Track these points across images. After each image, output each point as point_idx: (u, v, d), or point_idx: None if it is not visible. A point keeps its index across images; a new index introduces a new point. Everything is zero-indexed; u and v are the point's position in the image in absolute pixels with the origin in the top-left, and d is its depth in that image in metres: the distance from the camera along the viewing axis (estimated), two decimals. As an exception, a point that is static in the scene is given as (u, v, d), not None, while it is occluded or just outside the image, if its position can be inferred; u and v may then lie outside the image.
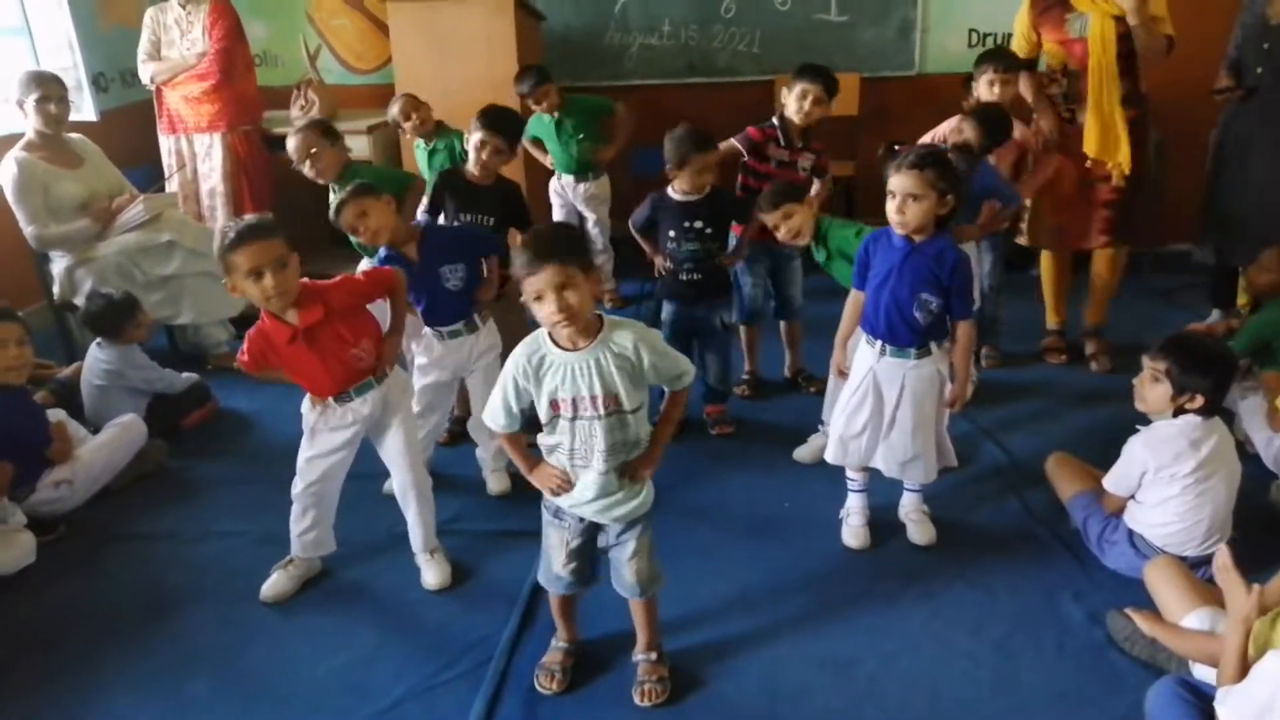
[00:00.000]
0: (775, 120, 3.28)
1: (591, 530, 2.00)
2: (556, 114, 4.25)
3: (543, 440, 1.95)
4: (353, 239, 2.73)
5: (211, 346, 4.04)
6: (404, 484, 2.48)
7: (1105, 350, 3.64)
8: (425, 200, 3.39)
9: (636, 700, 2.06)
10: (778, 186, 2.95)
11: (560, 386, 1.84)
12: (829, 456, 2.64)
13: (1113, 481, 2.47)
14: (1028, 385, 3.57)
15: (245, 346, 2.30)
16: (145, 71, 4.48)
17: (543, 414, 1.89)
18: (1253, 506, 2.59)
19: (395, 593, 2.50)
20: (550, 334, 1.84)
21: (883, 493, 2.68)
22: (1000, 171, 3.33)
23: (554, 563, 2.05)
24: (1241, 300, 3.81)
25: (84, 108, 4.65)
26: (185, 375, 3.57)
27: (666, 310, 3.18)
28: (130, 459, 3.10)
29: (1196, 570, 2.29)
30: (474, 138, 3.11)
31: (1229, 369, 2.40)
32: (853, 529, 2.64)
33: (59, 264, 3.79)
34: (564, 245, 1.75)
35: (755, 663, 2.18)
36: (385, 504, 2.68)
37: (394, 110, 4.10)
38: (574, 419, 1.86)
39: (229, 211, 4.49)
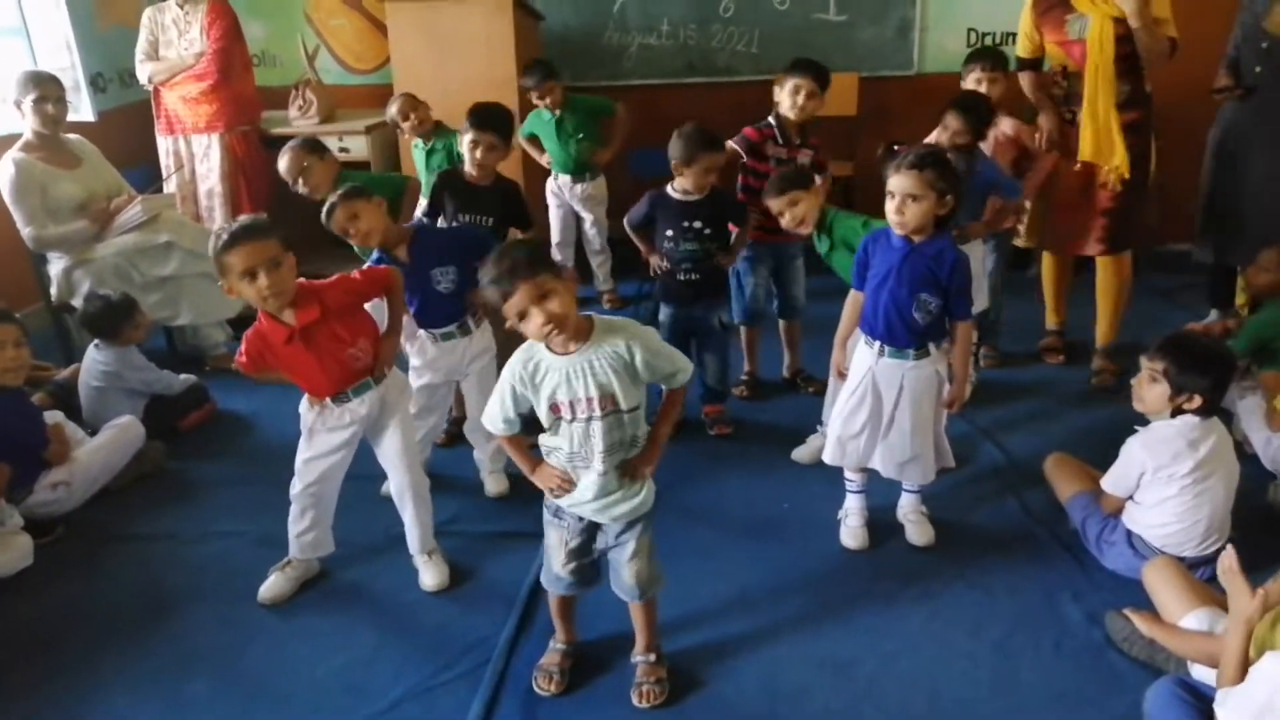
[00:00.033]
0: (771, 119, 3.28)
1: (591, 530, 2.00)
2: (558, 112, 4.25)
3: (544, 441, 1.96)
4: (349, 241, 2.73)
5: (210, 348, 4.04)
6: (401, 485, 2.47)
7: (1112, 371, 3.51)
8: (424, 201, 3.39)
9: (635, 702, 2.06)
10: (785, 172, 2.94)
11: (558, 390, 1.84)
12: (827, 457, 2.63)
13: (1111, 482, 2.47)
14: (1026, 385, 3.57)
15: (243, 348, 2.30)
16: (143, 72, 4.48)
17: (544, 418, 1.90)
18: (1251, 507, 2.59)
19: (393, 594, 2.50)
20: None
21: (881, 493, 2.68)
22: (1000, 166, 3.33)
23: (554, 563, 2.05)
24: (1240, 300, 3.81)
25: (82, 108, 4.64)
26: (183, 376, 3.56)
27: (664, 312, 3.17)
28: (128, 460, 3.10)
29: (1195, 571, 2.30)
30: (465, 139, 3.12)
31: (1227, 369, 2.39)
32: (851, 530, 2.64)
33: (56, 265, 3.79)
34: (529, 260, 1.77)
35: (754, 663, 2.18)
36: (383, 505, 2.67)
37: (392, 110, 4.09)
38: (573, 421, 1.86)
39: (227, 212, 4.49)
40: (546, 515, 2.04)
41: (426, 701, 2.11)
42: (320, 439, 2.40)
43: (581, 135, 4.30)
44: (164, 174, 4.55)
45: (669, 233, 3.03)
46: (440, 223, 3.20)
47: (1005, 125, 3.58)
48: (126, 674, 2.23)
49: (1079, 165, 3.34)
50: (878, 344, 2.46)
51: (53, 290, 3.83)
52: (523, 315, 1.78)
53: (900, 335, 2.41)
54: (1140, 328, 3.54)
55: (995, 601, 2.37)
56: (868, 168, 3.03)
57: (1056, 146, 3.40)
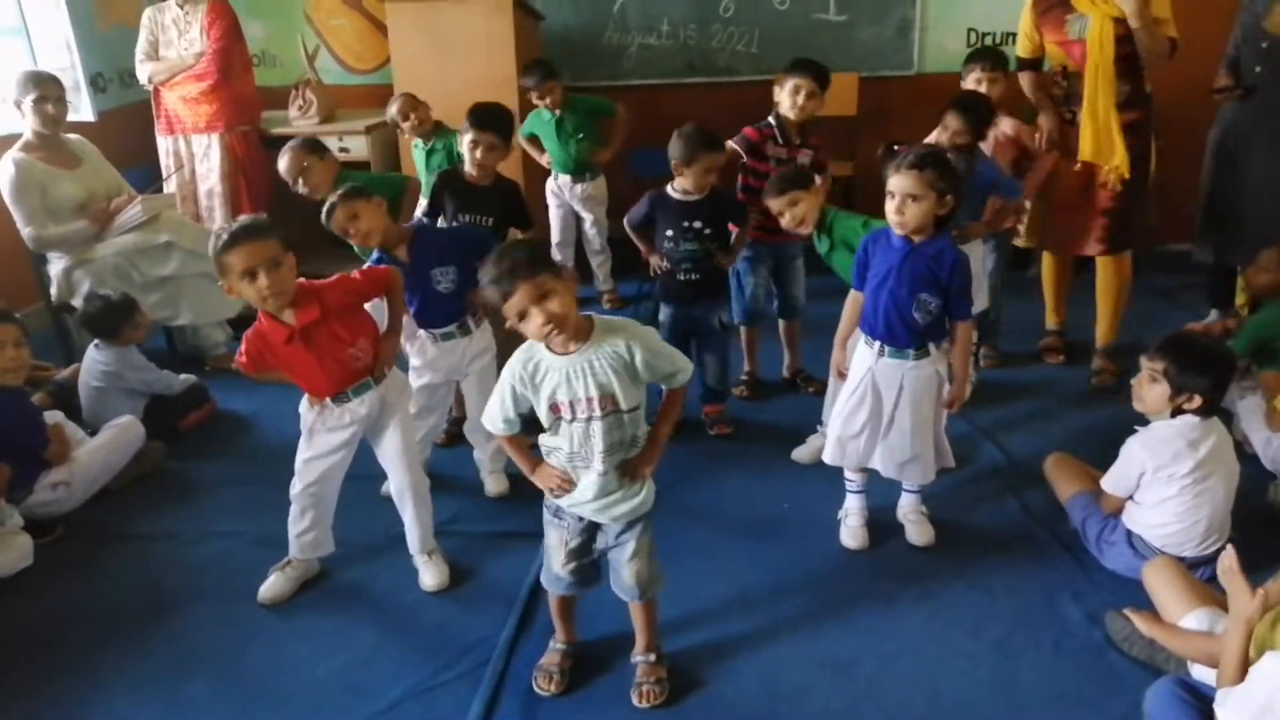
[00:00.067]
0: (771, 119, 3.28)
1: (591, 530, 2.00)
2: (558, 112, 4.24)
3: (544, 441, 1.96)
4: (349, 241, 2.73)
5: (210, 348, 4.04)
6: (401, 485, 2.47)
7: (1112, 371, 3.50)
8: (424, 201, 3.39)
9: (635, 702, 2.06)
10: (785, 172, 2.94)
11: (558, 390, 1.85)
12: (827, 457, 2.63)
13: (1111, 482, 2.47)
14: (1026, 385, 3.57)
15: (243, 348, 2.30)
16: (143, 72, 4.48)
17: (544, 418, 1.90)
18: (1251, 507, 2.59)
19: (393, 594, 2.50)
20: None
21: (881, 493, 2.68)
22: (1000, 166, 3.33)
23: (554, 563, 2.05)
24: (1240, 300, 3.81)
25: (82, 108, 4.64)
26: (183, 376, 3.56)
27: (664, 312, 3.17)
28: (128, 460, 3.10)
29: (1195, 570, 2.30)
30: (465, 139, 3.12)
31: (1227, 369, 2.39)
32: (851, 530, 2.64)
33: (56, 265, 3.79)
34: (529, 260, 1.77)
35: (754, 663, 2.18)
36: (383, 505, 2.67)
37: (392, 110, 4.09)
38: (572, 421, 1.87)
39: (227, 212, 4.49)
40: (546, 515, 2.04)
41: (426, 701, 2.11)
42: (320, 439, 2.40)
43: (581, 135, 4.29)
44: (164, 174, 4.55)
45: (669, 233, 3.03)
46: (440, 223, 3.20)
47: (1005, 125, 3.58)
48: (126, 674, 2.23)
49: (1079, 165, 3.34)
50: (878, 344, 2.46)
51: (53, 290, 3.83)
52: (523, 315, 1.78)
53: (900, 335, 2.41)
54: (1140, 328, 3.54)
55: (995, 601, 2.37)
56: (868, 168, 3.02)
57: (1056, 146, 3.40)
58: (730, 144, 3.22)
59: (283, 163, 3.20)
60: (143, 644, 2.33)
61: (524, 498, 2.84)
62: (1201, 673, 1.93)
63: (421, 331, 2.78)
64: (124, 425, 3.15)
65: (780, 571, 2.52)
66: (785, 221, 2.86)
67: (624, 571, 2.01)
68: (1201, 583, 2.21)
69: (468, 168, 3.18)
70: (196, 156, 4.54)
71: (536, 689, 2.11)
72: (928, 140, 3.12)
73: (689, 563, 2.50)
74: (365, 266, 2.65)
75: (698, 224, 3.00)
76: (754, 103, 3.37)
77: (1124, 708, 1.99)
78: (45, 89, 3.68)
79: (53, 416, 3.07)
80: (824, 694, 2.08)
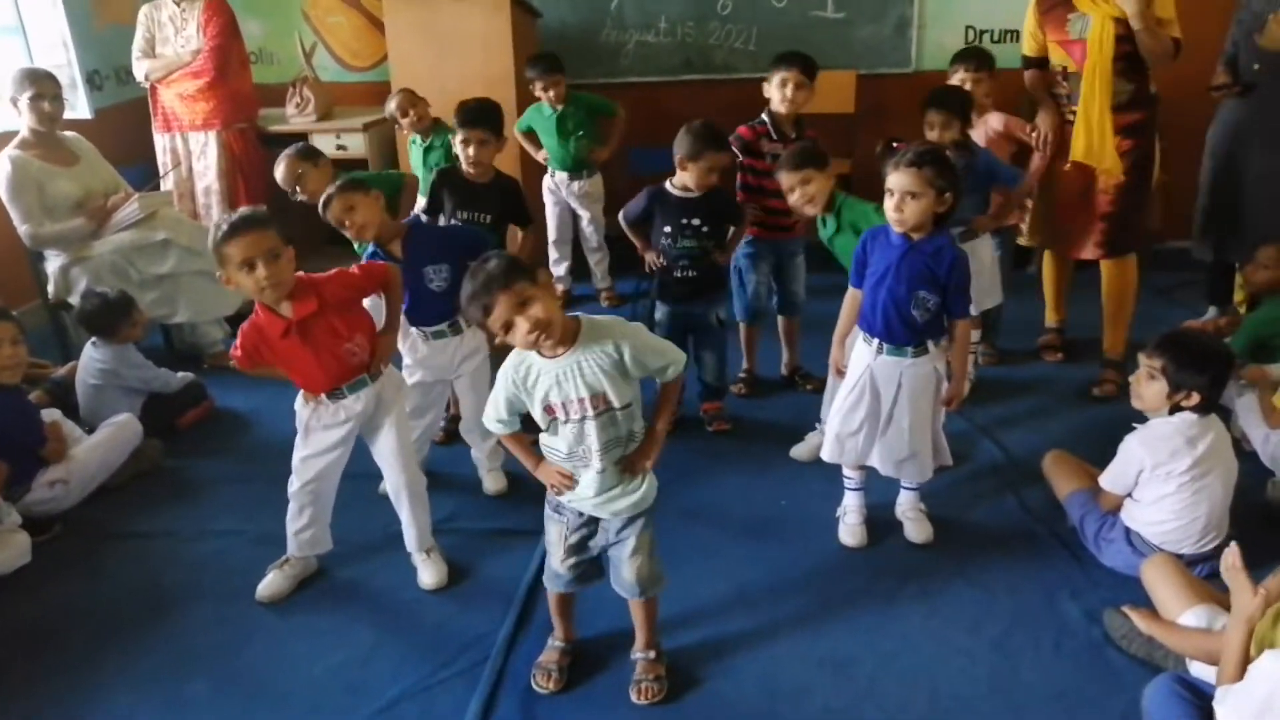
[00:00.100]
0: (764, 115, 3.27)
1: (591, 526, 2.00)
2: (560, 107, 4.23)
3: (542, 441, 1.97)
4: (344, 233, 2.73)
5: (207, 345, 4.03)
6: (397, 484, 2.47)
7: (1116, 382, 3.36)
8: (423, 200, 3.38)
9: (634, 699, 2.06)
10: (802, 147, 2.92)
11: (550, 392, 1.85)
12: (825, 455, 2.63)
13: (1109, 479, 2.47)
14: (1025, 383, 3.57)
15: (239, 341, 2.29)
16: (140, 69, 4.46)
17: (540, 419, 1.91)
18: (1250, 504, 2.59)
19: (392, 592, 2.50)
20: None
21: (880, 491, 2.68)
22: (997, 156, 3.34)
23: (553, 559, 2.06)
24: (1238, 297, 3.81)
25: (78, 105, 4.63)
26: (181, 374, 3.56)
27: (661, 309, 3.16)
28: (126, 458, 3.09)
29: (1193, 568, 2.30)
30: (457, 139, 3.12)
31: (1225, 366, 2.39)
32: (850, 527, 2.63)
33: (54, 263, 3.78)
34: (504, 270, 1.76)
35: (754, 661, 2.18)
36: (381, 504, 2.67)
37: (391, 106, 4.09)
38: (566, 421, 1.87)
39: (224, 209, 4.47)
40: (547, 510, 2.05)
41: (425, 700, 2.10)
42: (316, 437, 2.40)
43: (581, 133, 4.29)
44: (161, 171, 4.54)
45: (667, 229, 3.02)
46: (440, 220, 3.19)
47: (994, 121, 3.59)
48: (127, 672, 2.23)
49: (1069, 165, 3.33)
50: (876, 341, 2.45)
51: (50, 288, 3.82)
52: (508, 327, 1.78)
53: (899, 333, 2.41)
54: (1139, 326, 3.53)
55: (994, 599, 2.37)
56: (866, 165, 3.02)
57: (1052, 146, 3.39)
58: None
59: (279, 172, 3.21)
60: (142, 642, 2.33)
61: (522, 495, 2.85)
62: (1200, 670, 1.93)
63: (413, 329, 2.77)
64: (121, 423, 3.14)
65: (779, 569, 2.52)
66: (794, 199, 2.84)
67: (624, 569, 2.01)
68: (1200, 580, 2.21)
69: (464, 165, 3.17)
70: (193, 154, 4.53)
71: (535, 687, 2.11)
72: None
73: (687, 560, 2.50)
74: (363, 261, 2.64)
75: (696, 221, 3.00)
76: (752, 100, 3.37)
77: (1123, 705, 1.99)
78: (42, 86, 3.67)
79: (50, 414, 3.06)
80: (823, 692, 2.08)
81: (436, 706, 2.08)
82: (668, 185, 3.04)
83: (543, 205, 4.50)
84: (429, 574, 2.48)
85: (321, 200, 2.64)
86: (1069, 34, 3.22)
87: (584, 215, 4.51)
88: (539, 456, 1.99)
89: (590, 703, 2.08)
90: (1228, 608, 1.87)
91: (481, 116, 3.14)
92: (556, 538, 2.03)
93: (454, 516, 2.79)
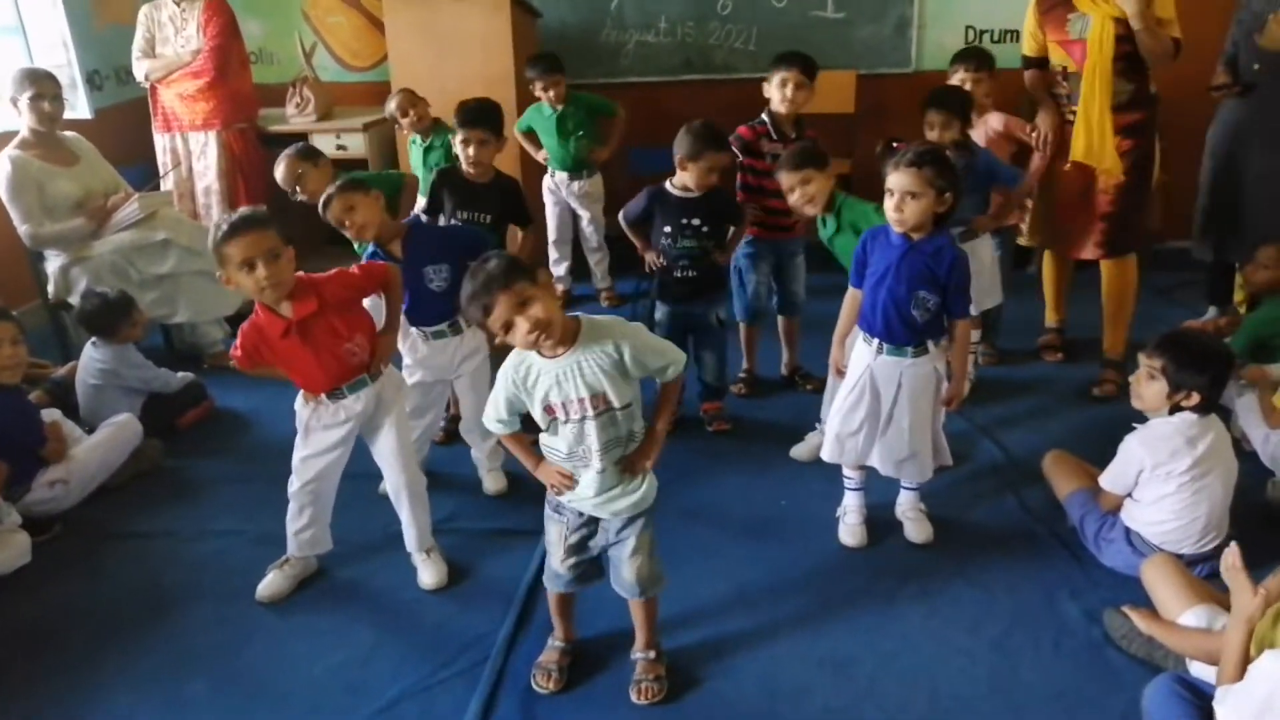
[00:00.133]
0: (764, 115, 3.28)
1: (591, 526, 2.00)
2: (560, 107, 4.23)
3: (542, 441, 1.97)
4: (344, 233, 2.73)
5: (207, 345, 4.03)
6: (396, 484, 2.47)
7: (1116, 383, 3.35)
8: (423, 199, 3.38)
9: (634, 698, 2.06)
10: (803, 147, 2.92)
11: (550, 393, 1.86)
12: (825, 454, 2.63)
13: (1109, 479, 2.47)
14: (1025, 383, 3.57)
15: (239, 341, 2.29)
16: (140, 69, 4.46)
17: (540, 419, 1.91)
18: (1249, 504, 2.59)
19: (392, 592, 2.50)
20: None
21: (880, 491, 2.68)
22: (997, 156, 3.34)
23: (553, 559, 2.06)
24: (1238, 297, 3.81)
25: (78, 106, 4.63)
26: (181, 374, 3.56)
27: (661, 310, 3.16)
28: (126, 458, 3.09)
29: (1193, 568, 2.30)
30: (457, 140, 3.12)
31: (1225, 366, 2.39)
32: (850, 527, 2.63)
33: (54, 263, 3.78)
34: (503, 271, 1.76)
35: (753, 661, 2.18)
36: (381, 503, 2.67)
37: (392, 105, 4.09)
38: (566, 421, 1.87)
39: (224, 209, 4.47)
40: (547, 510, 2.05)
41: (425, 700, 2.10)
42: (316, 437, 2.40)
43: (582, 133, 4.29)
44: (161, 171, 4.54)
45: (667, 229, 3.02)
46: (441, 220, 3.19)
47: (994, 121, 3.59)
48: (127, 672, 2.23)
49: (1069, 165, 3.33)
50: (876, 341, 2.45)
51: (50, 288, 3.82)
52: (508, 327, 1.78)
53: (899, 333, 2.41)
54: (1139, 326, 3.53)
55: (994, 599, 2.37)
56: (866, 165, 3.01)
57: (1052, 146, 3.39)
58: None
59: (279, 172, 3.21)
60: (142, 642, 2.33)
61: (522, 495, 2.85)
62: (1200, 670, 1.93)
63: (413, 329, 2.77)
64: (121, 423, 3.14)
65: (779, 569, 2.52)
66: (794, 199, 2.84)
67: (625, 569, 2.01)
68: (1200, 580, 2.21)
69: (464, 166, 3.17)
70: (193, 154, 4.53)
71: (535, 686, 2.11)
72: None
73: (687, 560, 2.50)
74: (364, 261, 2.64)
75: (696, 221, 3.00)
76: (752, 100, 3.37)
77: (1122, 705, 1.99)
78: (42, 86, 3.67)
79: (50, 414, 3.06)
80: (823, 692, 2.08)
81: (436, 706, 2.08)
82: (668, 185, 3.04)
83: (542, 205, 4.50)
84: (429, 574, 2.48)
85: (321, 200, 2.64)
86: (1069, 34, 3.22)
87: (584, 215, 4.51)
88: (539, 456, 1.99)
89: (590, 703, 2.08)
90: (1227, 608, 1.88)
91: (481, 116, 3.14)
92: (556, 538, 2.03)
93: (454, 516, 2.79)
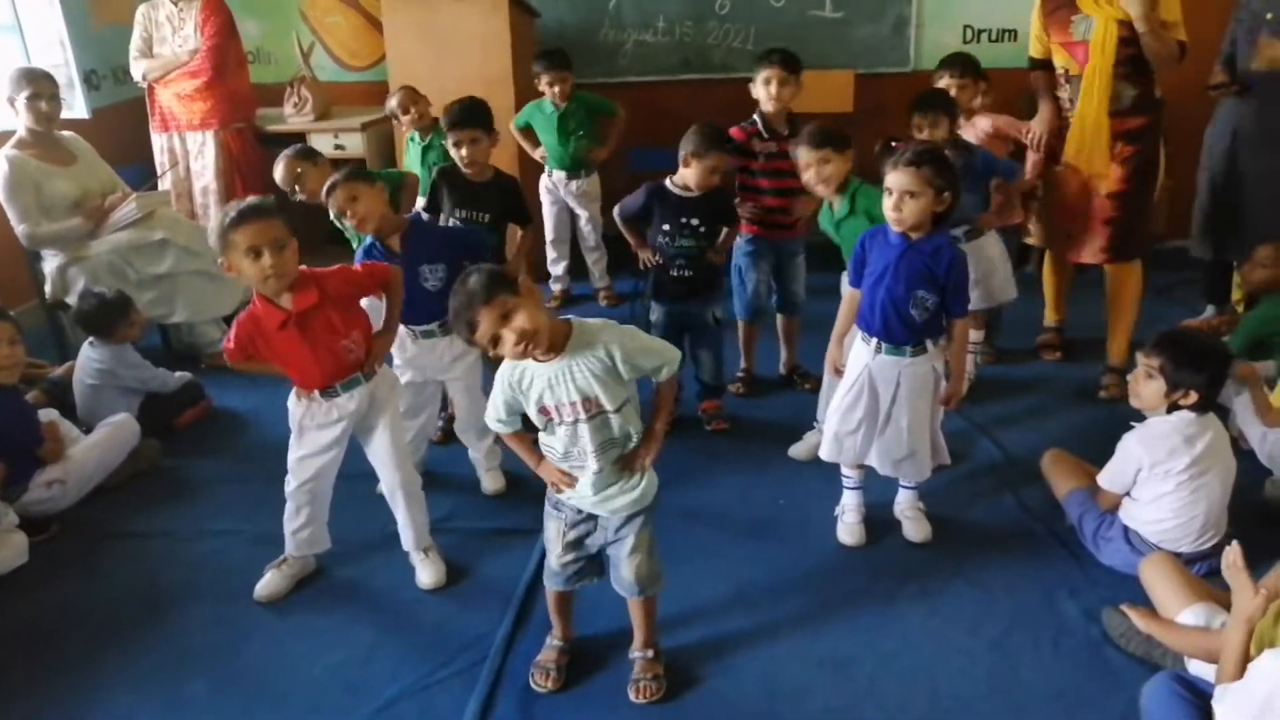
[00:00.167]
0: (755, 116, 3.28)
1: (590, 523, 2.00)
2: (563, 105, 4.23)
3: (540, 441, 1.97)
4: (342, 227, 2.72)
5: (205, 345, 4.03)
6: (391, 484, 2.47)
7: (1119, 386, 3.28)
8: (422, 199, 3.38)
9: (632, 698, 2.06)
10: (824, 127, 2.90)
11: (544, 395, 1.86)
12: (824, 454, 2.63)
13: (1108, 478, 2.47)
14: (1023, 382, 3.58)
15: (233, 332, 2.27)
16: (137, 69, 4.46)
17: (536, 420, 1.92)
18: (1248, 502, 2.59)
19: (390, 592, 2.49)
20: None
21: (878, 490, 2.68)
22: (993, 153, 3.34)
23: (552, 556, 2.06)
24: (1236, 296, 3.81)
25: (76, 105, 4.63)
26: (178, 374, 3.56)
27: (657, 309, 3.16)
28: (123, 458, 3.09)
29: (1192, 566, 2.30)
30: (449, 143, 3.12)
31: (1223, 365, 2.39)
32: (848, 526, 2.63)
33: (51, 263, 3.78)
34: (484, 284, 1.76)
35: (753, 661, 2.18)
36: (379, 503, 2.65)
37: (393, 103, 4.09)
38: (560, 423, 1.88)
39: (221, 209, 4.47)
40: (547, 507, 2.05)
41: (423, 699, 2.10)
42: (310, 436, 2.39)
43: (582, 133, 4.29)
44: (158, 171, 4.54)
45: (665, 228, 3.02)
46: (439, 219, 3.19)
47: (983, 123, 3.59)
48: (127, 672, 2.22)
49: (1061, 166, 3.32)
50: (874, 341, 2.45)
51: (47, 288, 3.81)
52: (495, 340, 1.78)
53: (897, 332, 2.41)
54: (1139, 325, 3.53)
55: (993, 598, 2.37)
56: (864, 165, 3.01)
57: (1047, 146, 3.38)
58: None
59: (278, 172, 3.21)
60: (141, 642, 2.33)
61: (520, 494, 2.85)
62: (1199, 668, 1.93)
63: (402, 327, 2.77)
64: (119, 423, 3.14)
65: (777, 568, 2.52)
66: (809, 177, 2.83)
67: (624, 567, 2.00)
68: (1198, 578, 2.21)
69: (461, 166, 3.17)
70: (191, 153, 4.53)
71: (533, 686, 2.11)
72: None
73: (686, 559, 2.50)
74: (366, 260, 2.64)
75: (694, 221, 3.00)
76: (750, 100, 3.37)
77: (1122, 704, 1.99)
78: (39, 86, 3.67)
79: (47, 414, 3.06)
80: (823, 692, 2.08)
81: (435, 706, 2.08)
82: (668, 183, 3.04)
83: (538, 204, 4.49)
84: (427, 573, 2.48)
85: (325, 187, 2.64)
86: (1072, 36, 3.19)
87: (582, 215, 4.50)
88: (540, 454, 1.99)
89: (589, 702, 2.08)
90: (1226, 606, 1.88)
91: (469, 116, 3.13)
92: (555, 534, 2.03)
93: (452, 516, 2.79)
